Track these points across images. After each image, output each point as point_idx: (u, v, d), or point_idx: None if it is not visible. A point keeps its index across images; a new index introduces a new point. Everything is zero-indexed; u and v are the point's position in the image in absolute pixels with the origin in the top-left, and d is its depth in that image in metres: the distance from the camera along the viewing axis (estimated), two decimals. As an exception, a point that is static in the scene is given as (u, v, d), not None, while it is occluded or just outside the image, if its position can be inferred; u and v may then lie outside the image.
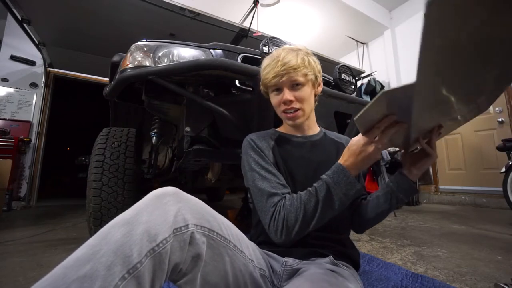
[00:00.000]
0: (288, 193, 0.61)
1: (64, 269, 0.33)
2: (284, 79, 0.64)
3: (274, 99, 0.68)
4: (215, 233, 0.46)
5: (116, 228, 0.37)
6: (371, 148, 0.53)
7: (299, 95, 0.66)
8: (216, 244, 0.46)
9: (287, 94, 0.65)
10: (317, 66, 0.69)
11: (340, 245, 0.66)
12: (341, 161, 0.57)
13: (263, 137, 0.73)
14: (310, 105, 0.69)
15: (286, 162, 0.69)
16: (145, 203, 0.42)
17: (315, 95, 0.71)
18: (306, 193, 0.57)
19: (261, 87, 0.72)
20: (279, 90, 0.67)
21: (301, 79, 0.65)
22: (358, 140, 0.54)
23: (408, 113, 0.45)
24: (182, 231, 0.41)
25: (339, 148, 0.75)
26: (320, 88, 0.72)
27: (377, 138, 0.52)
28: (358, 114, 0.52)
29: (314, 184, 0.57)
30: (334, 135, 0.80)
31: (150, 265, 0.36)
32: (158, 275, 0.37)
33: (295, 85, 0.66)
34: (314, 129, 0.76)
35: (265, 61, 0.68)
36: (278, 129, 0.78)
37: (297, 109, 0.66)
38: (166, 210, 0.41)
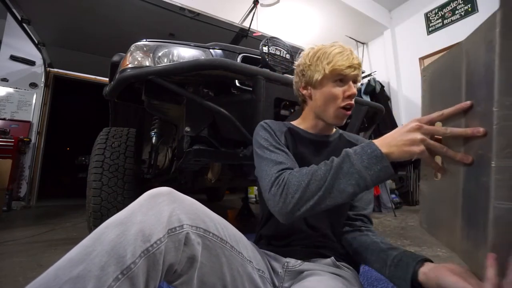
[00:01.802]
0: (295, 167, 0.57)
1: (56, 270, 0.33)
2: (355, 72, 0.62)
3: (335, 89, 0.63)
4: (211, 234, 0.45)
5: (110, 228, 0.37)
6: (415, 134, 0.41)
7: (356, 92, 0.64)
8: (212, 245, 0.45)
9: (354, 88, 0.63)
10: None
11: (342, 246, 0.65)
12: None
13: (277, 122, 0.71)
14: None
15: (293, 155, 0.66)
16: (140, 203, 0.41)
17: None
18: (321, 163, 0.50)
19: (317, 76, 0.64)
20: (342, 81, 0.63)
21: (360, 78, 0.65)
22: (414, 119, 0.43)
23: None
24: (177, 232, 0.40)
25: (350, 145, 0.73)
26: None
27: (430, 127, 0.41)
28: (429, 63, 0.42)
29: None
30: (352, 137, 0.77)
31: (144, 265, 0.36)
32: (153, 275, 0.37)
33: (354, 83, 0.64)
34: (330, 130, 0.74)
35: (334, 49, 0.63)
36: (292, 122, 0.75)
37: (352, 106, 0.65)
38: (161, 211, 0.41)
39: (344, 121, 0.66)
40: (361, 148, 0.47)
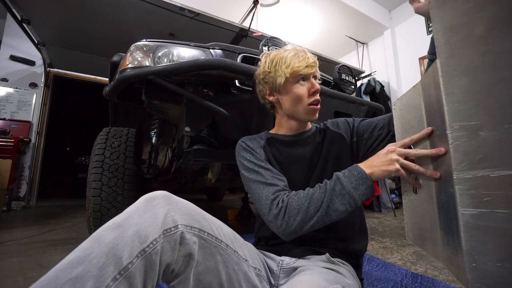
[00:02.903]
0: (286, 186, 0.62)
1: (57, 271, 0.34)
2: (313, 70, 0.67)
3: (300, 89, 0.67)
4: (205, 233, 0.47)
5: (108, 231, 0.38)
6: (391, 155, 0.50)
7: (319, 88, 0.69)
8: (208, 244, 0.47)
9: (317, 84, 0.68)
10: None
11: (340, 242, 0.64)
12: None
13: (254, 138, 0.75)
14: None
15: (278, 161, 0.70)
16: (136, 207, 0.43)
17: None
18: (315, 187, 0.56)
19: (282, 80, 0.67)
20: (304, 80, 0.68)
21: (318, 74, 0.70)
22: (389, 144, 0.53)
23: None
24: (172, 232, 0.42)
25: (326, 132, 0.75)
26: None
27: (402, 149, 0.50)
28: (397, 99, 0.53)
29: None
30: (322, 125, 0.80)
31: (141, 265, 0.37)
32: (150, 275, 0.38)
33: (314, 79, 0.69)
34: (308, 126, 0.77)
35: (291, 52, 0.67)
36: (270, 131, 0.79)
37: (319, 101, 0.69)
38: (156, 213, 0.42)
39: (317, 116, 0.70)
40: (349, 171, 0.54)
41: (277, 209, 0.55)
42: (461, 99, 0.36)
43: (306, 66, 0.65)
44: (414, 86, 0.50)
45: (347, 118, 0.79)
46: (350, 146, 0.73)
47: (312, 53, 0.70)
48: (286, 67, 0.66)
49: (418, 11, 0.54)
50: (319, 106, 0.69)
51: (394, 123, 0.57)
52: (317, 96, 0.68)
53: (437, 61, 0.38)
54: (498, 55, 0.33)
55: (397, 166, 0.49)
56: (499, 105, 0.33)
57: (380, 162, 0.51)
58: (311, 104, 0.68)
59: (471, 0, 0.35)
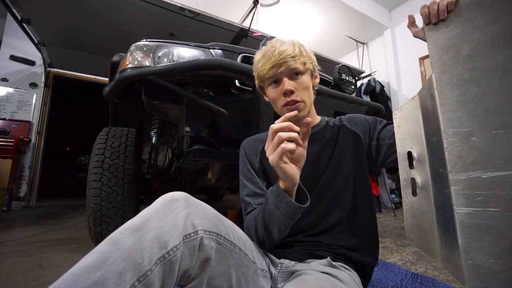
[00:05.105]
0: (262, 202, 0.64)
1: (74, 276, 0.33)
2: (282, 68, 0.60)
3: (272, 92, 0.63)
4: (222, 238, 0.46)
5: (126, 234, 0.37)
6: (271, 158, 0.49)
7: (300, 84, 0.61)
8: (223, 248, 0.46)
9: (287, 84, 0.59)
10: (313, 56, 0.66)
11: (345, 249, 0.60)
12: None
13: (254, 141, 0.73)
14: (310, 97, 0.64)
15: None
16: (155, 209, 0.42)
17: (313, 87, 0.67)
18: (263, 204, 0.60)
19: (257, 83, 0.67)
20: (277, 82, 0.62)
21: (300, 67, 0.61)
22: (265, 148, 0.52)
23: None
24: (192, 238, 0.41)
25: (340, 130, 0.69)
26: (317, 80, 0.68)
27: (270, 144, 0.50)
28: (397, 109, 0.56)
29: None
30: (338, 119, 0.73)
31: (160, 272, 0.36)
32: (168, 282, 0.37)
33: (294, 75, 0.61)
34: (314, 121, 0.71)
35: (258, 54, 0.63)
36: None
37: (299, 101, 0.61)
38: (176, 216, 0.41)
39: (299, 115, 0.62)
40: (274, 186, 0.53)
41: (244, 230, 0.62)
42: (453, 108, 0.40)
43: (271, 67, 0.59)
44: (412, 98, 0.54)
45: (367, 117, 0.71)
46: (367, 149, 0.66)
47: (312, 50, 0.65)
48: (255, 71, 0.64)
49: (416, 35, 0.56)
50: (296, 105, 0.61)
51: (395, 132, 0.59)
52: (292, 96, 0.60)
53: (432, 75, 0.43)
54: (483, 71, 0.39)
55: (277, 157, 0.47)
56: (486, 113, 0.38)
57: (278, 170, 0.48)
58: (284, 105, 0.61)
59: (459, 27, 0.42)
